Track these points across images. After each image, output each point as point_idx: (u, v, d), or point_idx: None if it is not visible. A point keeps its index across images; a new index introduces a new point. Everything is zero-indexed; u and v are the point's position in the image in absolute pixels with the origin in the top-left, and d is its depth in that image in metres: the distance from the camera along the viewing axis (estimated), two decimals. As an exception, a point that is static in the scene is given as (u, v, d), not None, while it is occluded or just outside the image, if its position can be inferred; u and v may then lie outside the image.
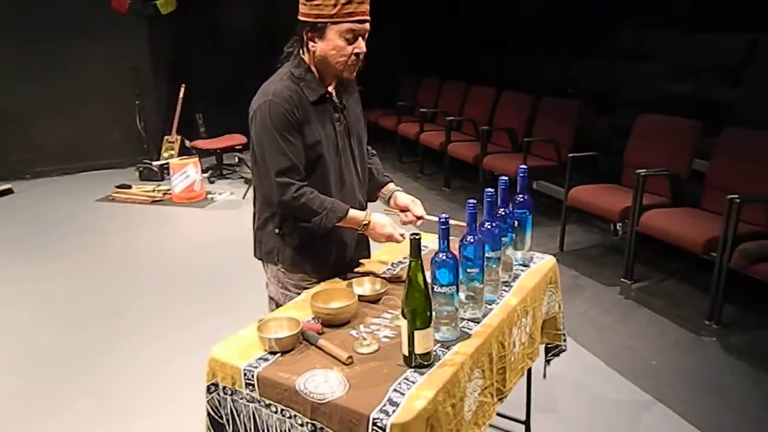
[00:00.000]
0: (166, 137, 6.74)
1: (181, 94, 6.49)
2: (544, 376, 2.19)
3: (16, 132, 6.44)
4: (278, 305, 1.88)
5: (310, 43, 1.71)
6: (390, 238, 1.82)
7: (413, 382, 1.34)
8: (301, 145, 1.71)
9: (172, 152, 6.61)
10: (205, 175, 6.19)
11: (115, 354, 3.03)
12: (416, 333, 1.37)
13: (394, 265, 2.00)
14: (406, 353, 1.40)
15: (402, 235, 1.83)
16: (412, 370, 1.39)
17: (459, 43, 7.41)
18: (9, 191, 6.06)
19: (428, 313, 1.38)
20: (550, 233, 4.45)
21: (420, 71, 7.35)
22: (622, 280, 3.68)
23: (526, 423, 2.27)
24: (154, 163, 6.43)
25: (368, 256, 2.05)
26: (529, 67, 6.31)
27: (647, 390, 2.60)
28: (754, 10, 4.71)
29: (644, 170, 3.54)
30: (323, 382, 1.35)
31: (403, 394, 1.30)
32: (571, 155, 4.15)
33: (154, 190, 5.86)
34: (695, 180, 3.77)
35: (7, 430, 2.46)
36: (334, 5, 1.62)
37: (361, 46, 1.69)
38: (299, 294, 1.82)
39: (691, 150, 3.73)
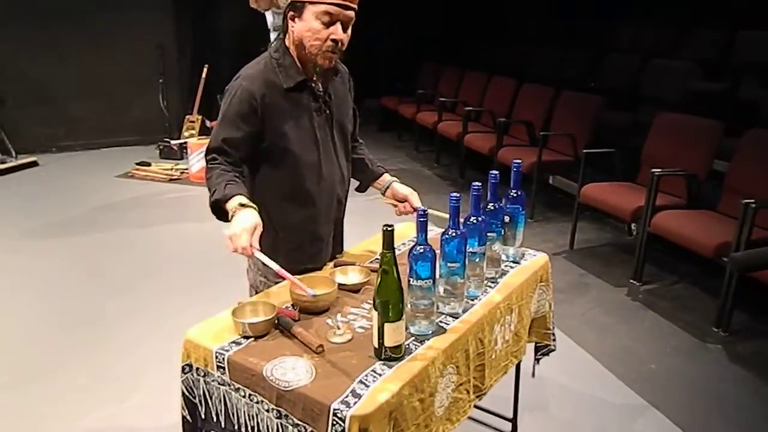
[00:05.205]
0: (187, 116, 6.80)
1: (204, 74, 6.54)
2: (533, 374, 2.17)
3: (45, 106, 6.58)
4: (257, 293, 1.86)
5: (290, 23, 1.67)
6: (232, 249, 1.54)
7: (380, 375, 1.33)
8: (249, 136, 1.67)
9: (193, 131, 6.67)
10: (223, 155, 6.23)
11: (119, 330, 3.09)
12: (386, 326, 1.35)
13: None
14: (377, 345, 1.39)
15: (245, 249, 1.51)
16: (381, 362, 1.38)
17: (480, 34, 7.30)
18: (34, 164, 6.21)
19: (400, 306, 1.37)
20: (562, 230, 4.38)
21: (440, 59, 7.26)
22: (630, 281, 3.60)
23: (513, 421, 2.25)
24: (174, 141, 6.50)
25: (341, 252, 2.00)
26: (552, 60, 6.19)
27: (642, 394, 2.55)
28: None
29: (659, 170, 3.44)
30: (290, 370, 1.35)
31: (367, 386, 1.29)
32: (585, 151, 4.06)
33: (172, 169, 5.94)
34: (716, 182, 3.65)
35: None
36: None
37: (338, 32, 1.62)
38: (278, 283, 1.80)
39: (711, 151, 3.61)
